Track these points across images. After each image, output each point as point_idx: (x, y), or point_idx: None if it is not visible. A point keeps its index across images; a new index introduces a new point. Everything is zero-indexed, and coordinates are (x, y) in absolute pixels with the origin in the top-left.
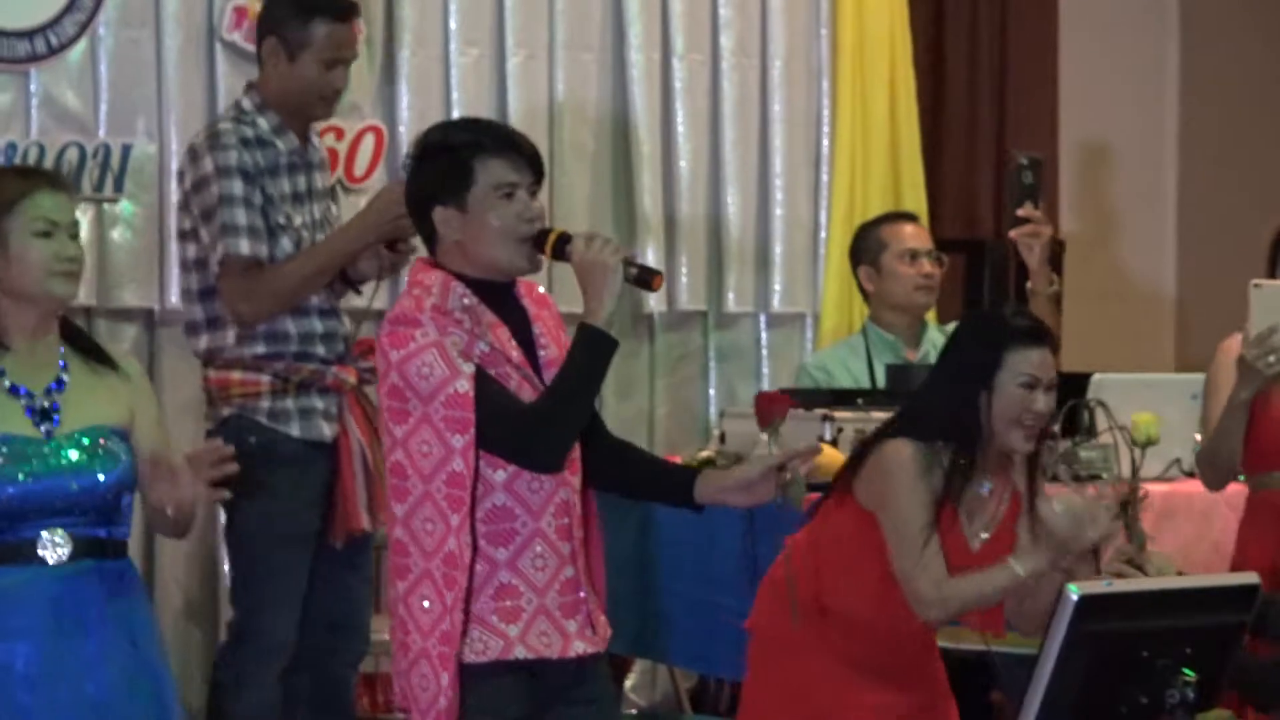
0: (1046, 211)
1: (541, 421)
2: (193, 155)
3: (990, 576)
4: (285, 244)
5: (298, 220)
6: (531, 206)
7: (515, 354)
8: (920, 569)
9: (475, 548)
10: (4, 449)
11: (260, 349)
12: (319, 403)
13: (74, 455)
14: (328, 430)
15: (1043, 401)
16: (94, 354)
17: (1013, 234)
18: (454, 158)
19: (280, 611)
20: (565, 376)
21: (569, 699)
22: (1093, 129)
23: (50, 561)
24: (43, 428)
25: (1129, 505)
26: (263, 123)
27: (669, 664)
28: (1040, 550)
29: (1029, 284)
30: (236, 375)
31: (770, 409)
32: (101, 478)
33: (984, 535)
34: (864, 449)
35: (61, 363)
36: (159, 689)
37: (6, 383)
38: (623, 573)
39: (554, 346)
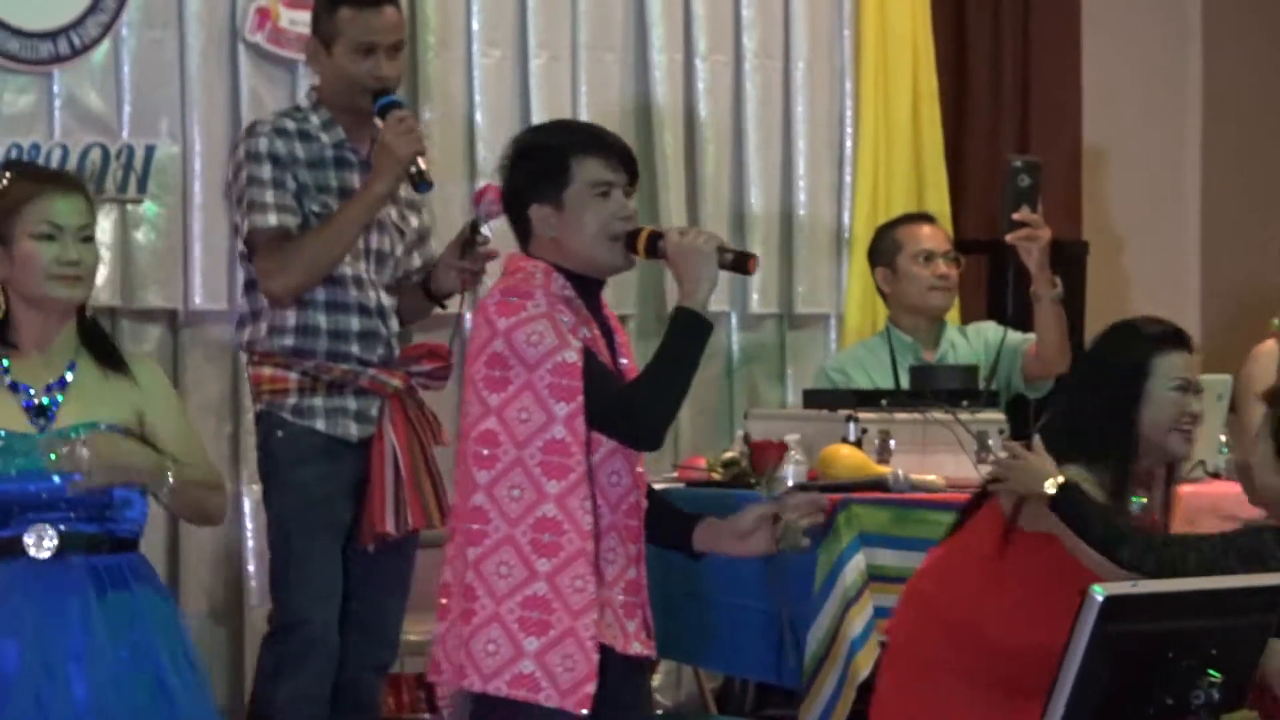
0: (1065, 213)
1: (642, 399)
2: (233, 148)
3: None
4: None
5: None
6: (626, 205)
7: (605, 354)
8: None
9: (596, 513)
10: None
11: (289, 341)
12: (351, 404)
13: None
14: (355, 430)
15: (1196, 403)
16: (108, 357)
17: (1009, 238)
18: (551, 156)
19: (317, 599)
20: (663, 356)
21: (619, 703)
22: (1115, 131)
23: (36, 556)
24: (38, 424)
25: None
26: (314, 118)
27: (694, 665)
28: None
29: (1031, 289)
30: (267, 371)
31: (764, 457)
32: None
33: None
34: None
35: (71, 362)
36: (163, 682)
37: (8, 380)
38: (649, 575)
39: (630, 359)
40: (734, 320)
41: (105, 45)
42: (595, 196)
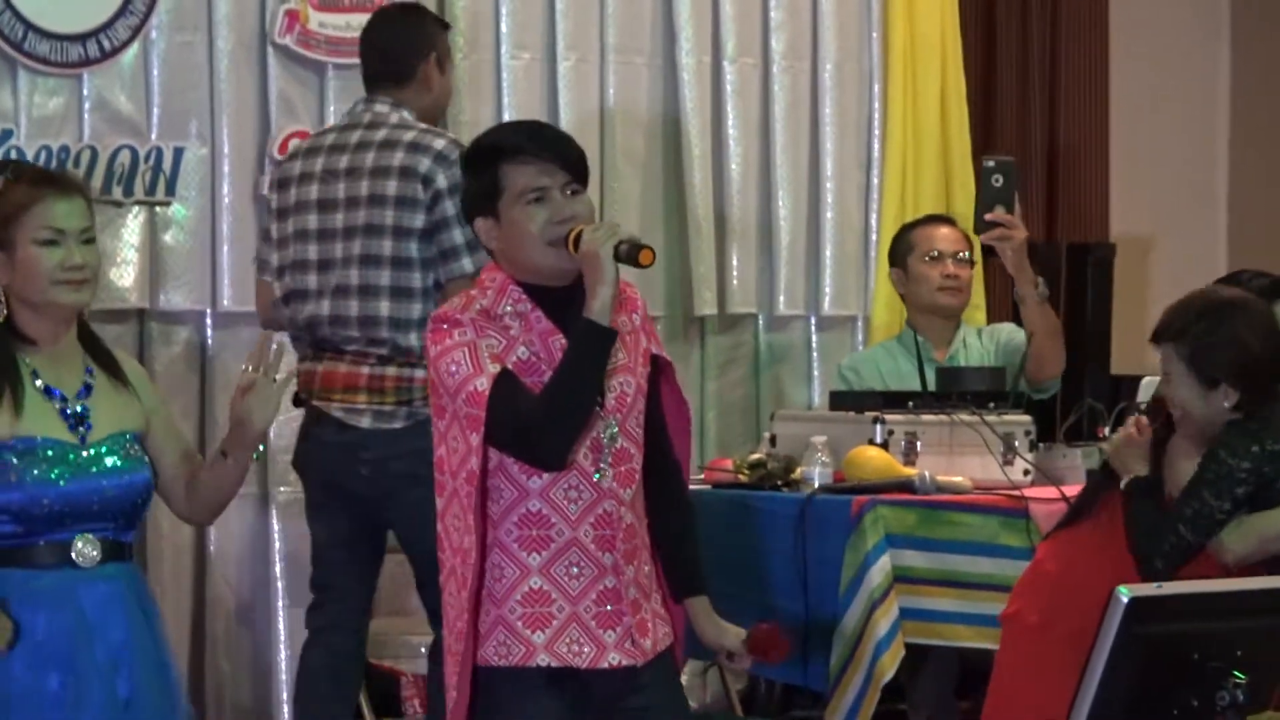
0: (1093, 215)
1: (538, 418)
2: (441, 158)
3: None
4: None
5: None
6: (565, 207)
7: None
8: None
9: (483, 547)
10: (48, 452)
11: None
12: None
13: (109, 461)
14: None
15: None
16: (109, 364)
17: (983, 238)
18: (482, 167)
19: None
20: (560, 373)
21: (616, 708)
22: (1143, 132)
23: (81, 565)
24: (78, 433)
25: None
26: None
27: (719, 665)
28: None
29: (1016, 290)
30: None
31: (761, 643)
32: (135, 482)
33: None
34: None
35: (88, 369)
36: (170, 684)
37: (40, 383)
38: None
39: (622, 352)
40: (761, 321)
41: (135, 48)
42: (528, 204)
